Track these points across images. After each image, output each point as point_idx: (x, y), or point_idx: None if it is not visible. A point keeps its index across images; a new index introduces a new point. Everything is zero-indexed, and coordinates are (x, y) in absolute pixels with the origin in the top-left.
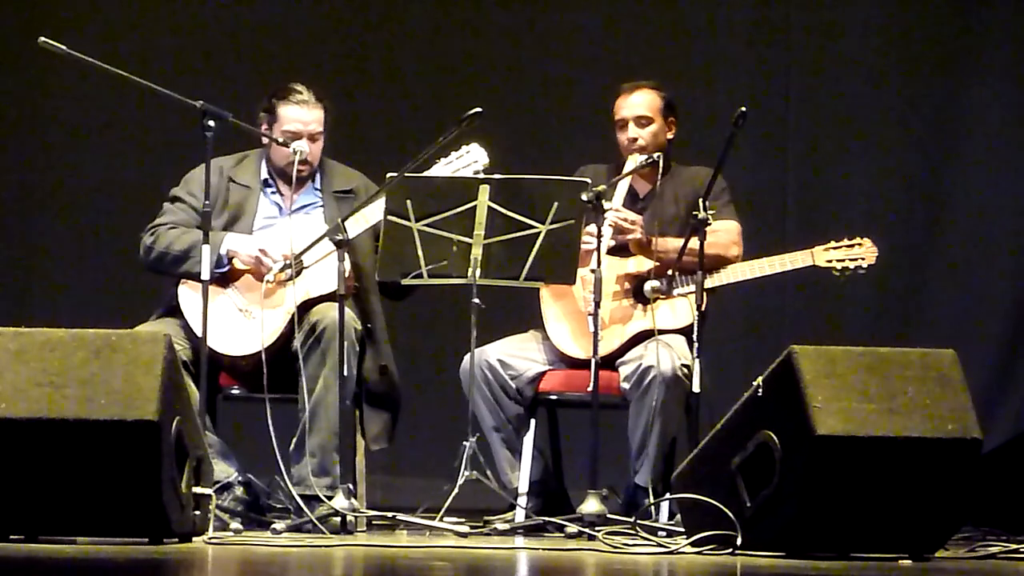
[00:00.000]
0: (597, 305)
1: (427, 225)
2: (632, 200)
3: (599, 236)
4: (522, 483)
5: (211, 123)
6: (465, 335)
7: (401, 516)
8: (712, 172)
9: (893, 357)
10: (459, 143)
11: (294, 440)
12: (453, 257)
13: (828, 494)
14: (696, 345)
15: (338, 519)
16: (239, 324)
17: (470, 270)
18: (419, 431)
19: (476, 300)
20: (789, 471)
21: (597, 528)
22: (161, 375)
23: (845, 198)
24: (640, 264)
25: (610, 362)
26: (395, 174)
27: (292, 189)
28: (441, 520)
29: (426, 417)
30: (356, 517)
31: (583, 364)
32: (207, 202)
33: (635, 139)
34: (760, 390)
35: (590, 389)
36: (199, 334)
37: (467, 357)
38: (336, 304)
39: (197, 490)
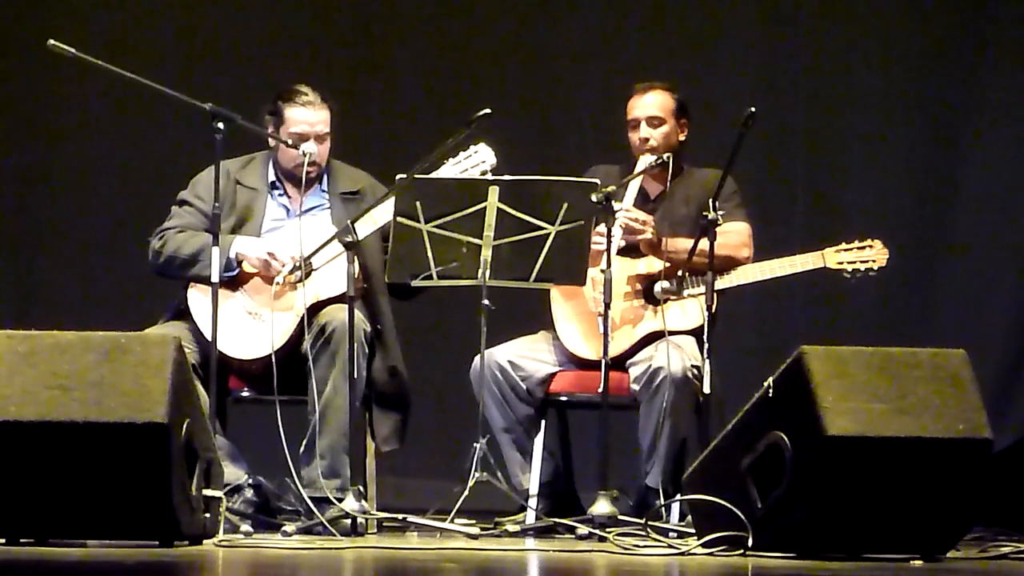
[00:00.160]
0: (607, 306)
1: (437, 226)
2: (643, 201)
3: (609, 236)
4: (532, 484)
5: (220, 125)
6: (475, 336)
7: (411, 518)
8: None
9: (903, 357)
10: (467, 143)
11: (304, 442)
12: (463, 258)
13: (838, 495)
14: (706, 346)
15: (348, 521)
16: (249, 327)
17: (480, 271)
18: (429, 433)
19: (486, 301)
20: (799, 472)
21: (608, 529)
22: (170, 377)
23: (855, 199)
24: (650, 265)
25: (620, 363)
26: (405, 176)
27: (301, 191)
28: (452, 522)
29: (436, 419)
30: (366, 519)
31: (593, 365)
32: (217, 204)
33: (647, 139)
34: (770, 391)
35: (600, 390)
36: (209, 337)
37: (477, 358)
38: (345, 306)
39: (207, 493)
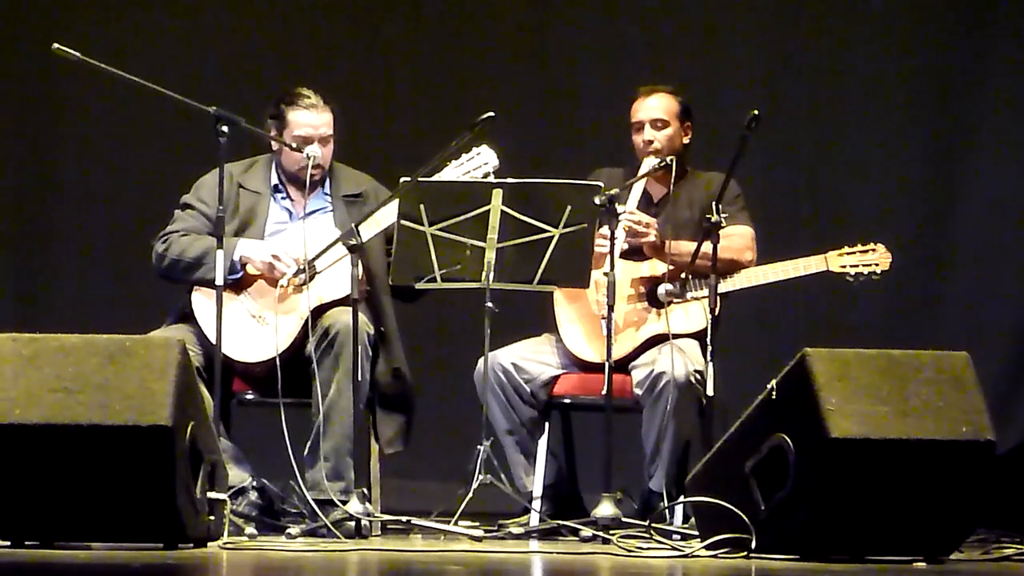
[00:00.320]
0: (611, 308)
1: (440, 229)
2: (647, 204)
3: (612, 239)
4: (536, 487)
5: (224, 129)
6: (479, 339)
7: (415, 520)
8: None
9: (906, 360)
10: (469, 145)
11: (308, 445)
12: (466, 261)
13: (842, 497)
14: (710, 349)
15: (352, 523)
16: (253, 330)
17: (483, 274)
18: (433, 435)
19: (489, 304)
20: (803, 474)
21: (611, 531)
22: (175, 380)
23: (859, 202)
24: (654, 268)
25: (624, 365)
26: (408, 178)
27: (305, 194)
28: (455, 524)
29: (440, 421)
30: (370, 521)
31: (597, 367)
32: (221, 207)
33: (651, 142)
34: (774, 393)
35: (604, 392)
36: (212, 340)
37: (481, 361)
38: (349, 308)
39: (211, 495)
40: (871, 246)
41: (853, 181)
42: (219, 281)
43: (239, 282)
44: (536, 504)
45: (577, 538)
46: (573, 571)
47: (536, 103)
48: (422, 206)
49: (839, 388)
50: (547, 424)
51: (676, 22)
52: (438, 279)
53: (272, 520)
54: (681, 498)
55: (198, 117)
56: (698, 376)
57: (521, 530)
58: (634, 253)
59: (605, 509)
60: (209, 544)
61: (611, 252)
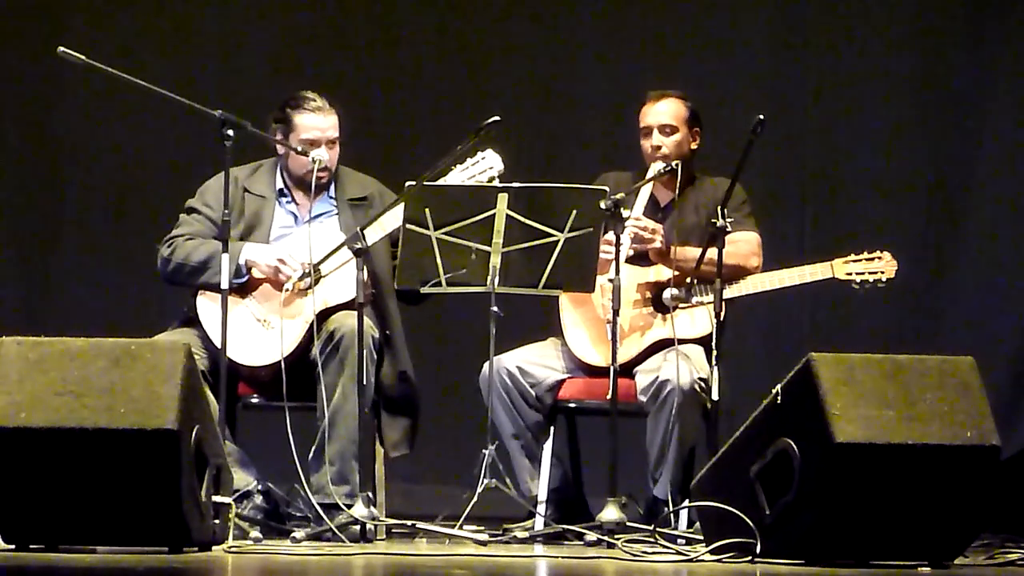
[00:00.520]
0: (616, 313)
1: (446, 233)
2: (653, 209)
3: (618, 244)
4: (541, 491)
5: (230, 132)
6: (484, 343)
7: (420, 524)
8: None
9: (911, 364)
10: (475, 149)
11: (313, 448)
12: (472, 265)
13: (847, 502)
14: (715, 354)
15: (357, 527)
16: (258, 334)
17: (489, 278)
18: (438, 439)
19: (495, 308)
20: (808, 479)
21: (616, 536)
22: (180, 384)
23: (864, 207)
24: (659, 273)
25: (629, 370)
26: (414, 182)
27: (311, 198)
28: (460, 528)
29: (445, 425)
30: (375, 525)
31: (602, 372)
32: (226, 211)
33: (659, 147)
34: (779, 398)
35: (609, 397)
36: (218, 344)
37: (486, 365)
38: (354, 312)
39: (217, 499)
40: (877, 254)
41: (859, 188)
42: (224, 285)
43: (244, 286)
44: (541, 508)
45: (582, 542)
46: (578, 575)
47: (541, 107)
48: (427, 210)
49: (844, 393)
50: (552, 428)
51: (683, 27)
52: (443, 283)
53: (277, 524)
54: (686, 502)
55: (203, 121)
56: (702, 385)
57: (526, 534)
58: (640, 258)
59: (610, 513)
60: (214, 548)
61: (616, 257)
